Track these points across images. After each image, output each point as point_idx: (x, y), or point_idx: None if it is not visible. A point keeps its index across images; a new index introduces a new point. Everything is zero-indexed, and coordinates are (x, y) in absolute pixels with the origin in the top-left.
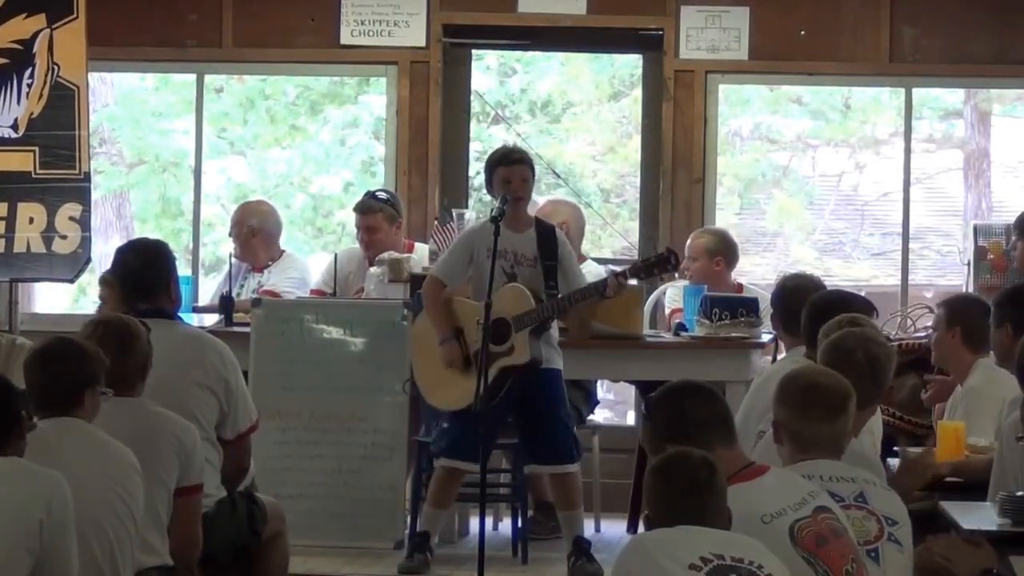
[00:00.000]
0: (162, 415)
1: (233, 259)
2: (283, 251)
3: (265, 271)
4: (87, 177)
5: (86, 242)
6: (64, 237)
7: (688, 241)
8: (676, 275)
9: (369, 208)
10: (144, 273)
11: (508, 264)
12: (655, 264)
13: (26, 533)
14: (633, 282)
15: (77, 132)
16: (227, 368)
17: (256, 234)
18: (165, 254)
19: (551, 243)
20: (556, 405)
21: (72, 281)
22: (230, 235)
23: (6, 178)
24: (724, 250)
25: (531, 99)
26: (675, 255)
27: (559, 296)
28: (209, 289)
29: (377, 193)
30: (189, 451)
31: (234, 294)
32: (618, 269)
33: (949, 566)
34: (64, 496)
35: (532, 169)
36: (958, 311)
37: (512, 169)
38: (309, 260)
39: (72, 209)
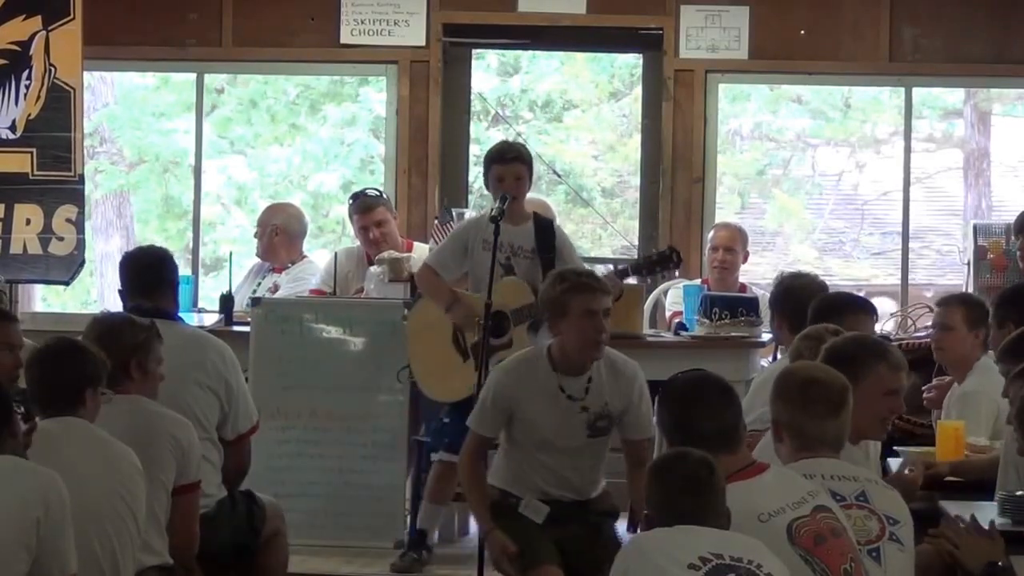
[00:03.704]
0: (158, 413)
1: (256, 258)
2: (304, 256)
3: (284, 272)
4: (81, 179)
5: (81, 244)
6: (61, 239)
7: (718, 232)
8: (713, 268)
9: (372, 204)
10: (148, 272)
11: (504, 256)
12: (657, 262)
13: (23, 531)
14: (632, 280)
15: (72, 134)
16: (228, 368)
17: (279, 233)
18: (168, 257)
19: (549, 236)
20: None
21: (68, 283)
22: (255, 235)
23: (4, 179)
24: (747, 243)
25: (531, 98)
26: (677, 253)
27: None
28: (211, 288)
29: (367, 190)
30: (186, 449)
31: (251, 292)
32: (619, 267)
33: (956, 552)
34: (60, 493)
35: (529, 166)
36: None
37: (506, 167)
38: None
39: (68, 211)
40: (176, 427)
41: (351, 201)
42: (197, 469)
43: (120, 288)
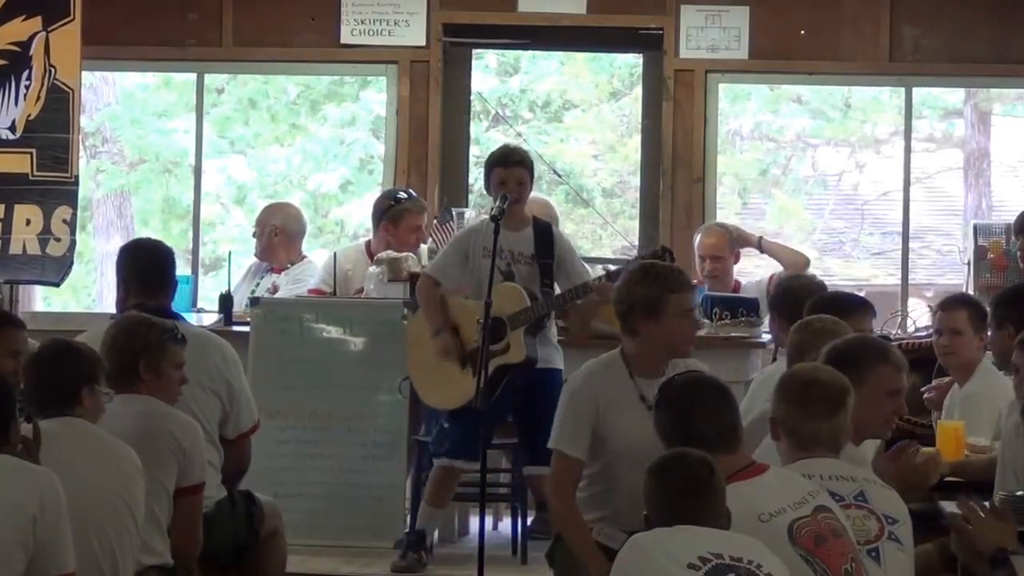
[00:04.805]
0: (162, 413)
1: (255, 258)
2: (303, 256)
3: (283, 273)
4: (76, 180)
5: (72, 246)
6: (58, 240)
7: (704, 240)
8: (704, 276)
9: (424, 207)
10: (153, 269)
11: (504, 263)
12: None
13: (20, 529)
14: None
15: (71, 135)
16: (229, 368)
17: (278, 233)
18: (168, 252)
19: (548, 241)
20: (554, 406)
21: (58, 284)
22: (254, 235)
23: (4, 179)
24: (735, 243)
25: (531, 99)
26: (670, 253)
27: (554, 295)
28: (209, 288)
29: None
30: (188, 450)
31: (250, 292)
32: (611, 268)
33: (968, 530)
34: (56, 492)
35: (530, 171)
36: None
37: (509, 171)
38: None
39: (64, 212)
40: (179, 427)
41: (396, 201)
42: (202, 471)
43: (118, 281)
